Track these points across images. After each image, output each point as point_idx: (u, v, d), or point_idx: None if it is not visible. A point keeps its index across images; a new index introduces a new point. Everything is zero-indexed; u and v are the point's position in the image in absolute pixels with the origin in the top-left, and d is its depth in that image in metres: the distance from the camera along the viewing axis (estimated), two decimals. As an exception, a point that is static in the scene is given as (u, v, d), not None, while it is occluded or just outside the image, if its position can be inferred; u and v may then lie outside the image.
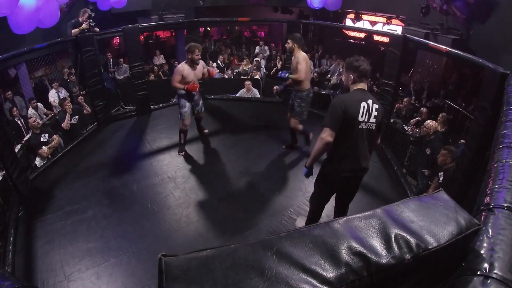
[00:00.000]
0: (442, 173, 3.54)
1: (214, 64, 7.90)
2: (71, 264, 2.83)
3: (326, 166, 2.49)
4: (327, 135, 2.28)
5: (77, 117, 5.09)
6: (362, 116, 2.27)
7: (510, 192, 1.13)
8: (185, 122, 4.31)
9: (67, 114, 4.92)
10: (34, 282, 2.66)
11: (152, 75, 7.14)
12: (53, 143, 4.52)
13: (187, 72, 4.01)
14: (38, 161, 4.38)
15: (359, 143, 2.34)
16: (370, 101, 2.31)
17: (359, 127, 2.29)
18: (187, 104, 4.25)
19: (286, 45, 4.16)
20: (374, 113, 2.32)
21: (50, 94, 5.63)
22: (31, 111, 5.21)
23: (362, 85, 2.38)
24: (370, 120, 2.31)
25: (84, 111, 5.37)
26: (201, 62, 4.19)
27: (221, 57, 8.21)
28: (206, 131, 4.96)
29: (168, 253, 0.76)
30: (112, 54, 7.53)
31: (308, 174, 2.65)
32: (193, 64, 4.03)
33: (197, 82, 4.17)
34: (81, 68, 4.99)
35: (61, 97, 5.51)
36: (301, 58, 3.89)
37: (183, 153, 4.49)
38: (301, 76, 3.89)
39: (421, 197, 1.05)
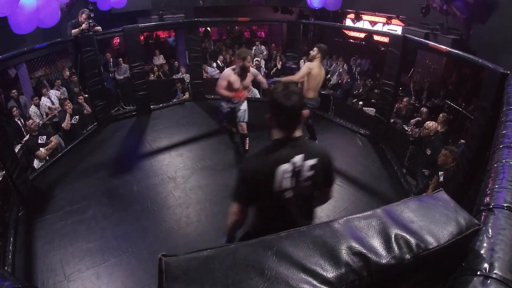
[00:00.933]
0: (442, 173, 3.54)
1: (214, 64, 7.89)
2: (71, 264, 2.83)
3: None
4: (234, 212, 1.68)
5: (77, 117, 5.09)
6: (279, 187, 1.53)
7: (510, 192, 1.13)
8: (222, 124, 4.31)
9: (67, 114, 4.92)
10: (34, 282, 2.66)
11: (152, 75, 7.13)
12: (50, 144, 4.50)
13: (234, 78, 3.74)
14: (36, 163, 4.36)
15: (280, 216, 1.65)
16: (298, 158, 1.53)
17: (284, 197, 1.57)
18: (225, 107, 4.03)
19: (311, 52, 4.17)
20: (308, 173, 1.56)
21: (51, 93, 5.63)
22: (32, 109, 5.21)
23: (289, 132, 1.56)
24: (301, 185, 1.57)
25: (84, 111, 5.37)
26: (252, 70, 3.92)
27: (221, 57, 8.21)
28: (246, 147, 4.27)
29: (168, 253, 0.76)
30: (112, 54, 7.52)
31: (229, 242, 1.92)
32: (242, 71, 3.73)
33: (244, 88, 3.92)
34: (81, 68, 4.99)
35: (62, 97, 5.51)
36: (309, 65, 4.01)
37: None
38: (294, 77, 3.99)
39: (421, 197, 1.05)
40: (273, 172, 1.51)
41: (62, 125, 4.86)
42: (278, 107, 1.51)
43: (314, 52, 4.07)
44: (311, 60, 4.10)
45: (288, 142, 1.56)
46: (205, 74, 7.23)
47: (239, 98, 3.87)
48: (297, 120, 1.56)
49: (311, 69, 3.99)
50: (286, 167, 1.51)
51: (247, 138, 4.21)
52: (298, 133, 1.58)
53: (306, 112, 3.95)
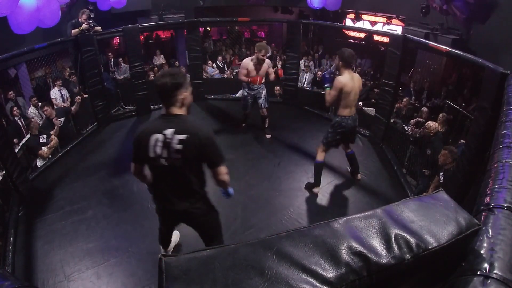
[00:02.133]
0: (442, 173, 3.54)
1: (214, 65, 7.89)
2: (71, 264, 2.83)
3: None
4: (131, 168, 2.04)
5: (62, 119, 5.05)
6: (154, 152, 1.84)
7: (510, 192, 1.13)
8: (245, 111, 4.91)
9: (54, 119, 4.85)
10: (34, 282, 2.66)
11: (152, 74, 7.09)
12: (51, 143, 4.51)
13: (251, 67, 4.39)
14: (39, 162, 4.37)
15: (163, 181, 1.98)
16: (169, 131, 1.81)
17: (161, 163, 1.87)
18: (246, 94, 4.68)
19: (334, 61, 4.18)
20: (177, 146, 1.81)
21: (52, 92, 5.63)
22: (31, 109, 5.21)
23: (166, 108, 1.90)
24: (172, 156, 1.84)
25: (72, 110, 5.33)
26: (267, 61, 4.48)
27: (219, 57, 8.21)
28: (268, 136, 5.01)
29: (168, 253, 0.76)
30: (112, 54, 7.52)
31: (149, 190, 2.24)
32: (258, 61, 4.34)
33: (262, 75, 4.49)
34: (81, 68, 4.99)
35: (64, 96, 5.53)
36: (340, 80, 3.29)
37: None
38: (327, 99, 3.42)
39: (421, 197, 1.05)
40: (148, 138, 1.84)
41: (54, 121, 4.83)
42: (154, 86, 1.85)
43: (336, 60, 3.51)
44: (338, 72, 3.44)
45: (166, 117, 1.88)
46: (205, 74, 7.23)
47: (255, 82, 4.48)
48: (168, 98, 1.86)
49: (344, 85, 3.28)
50: (157, 136, 1.83)
51: (267, 119, 4.90)
52: (178, 111, 1.90)
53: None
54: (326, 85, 3.47)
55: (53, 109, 4.96)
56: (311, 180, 3.76)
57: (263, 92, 4.69)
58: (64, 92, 5.71)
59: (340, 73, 3.38)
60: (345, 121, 3.49)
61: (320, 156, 3.63)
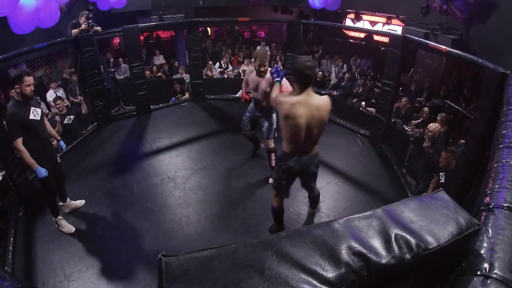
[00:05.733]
0: (443, 173, 3.53)
1: (217, 65, 7.88)
2: (71, 264, 2.83)
3: None
4: None
5: (72, 117, 5.05)
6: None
7: (510, 192, 1.13)
8: (242, 129, 3.93)
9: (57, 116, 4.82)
10: (34, 282, 2.66)
11: (148, 73, 7.04)
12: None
13: (251, 77, 3.49)
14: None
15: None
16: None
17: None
18: (246, 114, 3.81)
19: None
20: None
21: (48, 94, 5.61)
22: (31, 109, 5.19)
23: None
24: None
25: (82, 111, 5.33)
26: (268, 74, 3.35)
27: (224, 59, 8.21)
28: (272, 163, 3.86)
29: (168, 253, 0.76)
30: (112, 54, 7.52)
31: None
32: (258, 74, 3.41)
33: (260, 95, 3.49)
34: (81, 68, 4.99)
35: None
36: (280, 103, 2.41)
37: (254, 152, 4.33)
38: (271, 96, 2.67)
39: (421, 197, 1.05)
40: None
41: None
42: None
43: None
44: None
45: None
46: (210, 73, 7.23)
47: (241, 100, 3.70)
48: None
49: (287, 111, 2.31)
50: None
51: (272, 154, 3.76)
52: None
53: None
54: (277, 79, 2.70)
55: (64, 104, 4.92)
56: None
57: (269, 119, 3.60)
58: (60, 93, 5.69)
59: (293, 91, 2.43)
60: (285, 160, 2.52)
61: (275, 202, 2.81)
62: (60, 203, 3.39)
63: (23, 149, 2.73)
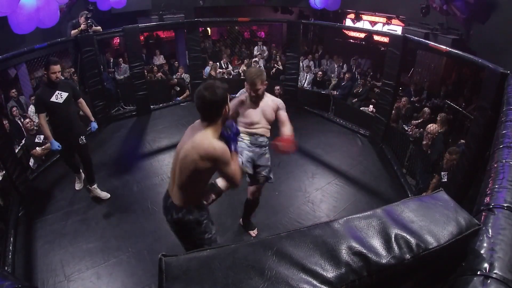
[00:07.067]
0: (445, 173, 3.53)
1: (218, 64, 7.88)
2: (71, 264, 2.83)
3: None
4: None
5: None
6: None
7: (510, 192, 1.13)
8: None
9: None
10: (34, 282, 2.66)
11: (148, 73, 7.04)
12: (47, 145, 4.47)
13: (246, 107, 2.60)
14: (32, 162, 4.31)
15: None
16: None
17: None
18: (244, 153, 2.65)
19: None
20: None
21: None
22: (31, 108, 5.19)
23: None
24: None
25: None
26: (271, 98, 2.67)
27: (224, 59, 8.21)
28: (254, 232, 3.16)
29: (168, 253, 0.76)
30: (112, 54, 7.52)
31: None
32: (254, 99, 2.56)
33: (262, 126, 2.65)
34: (81, 68, 4.98)
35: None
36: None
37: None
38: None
39: (421, 197, 1.05)
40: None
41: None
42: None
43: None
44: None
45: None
46: (213, 73, 7.22)
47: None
48: None
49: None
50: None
51: (254, 208, 3.01)
52: None
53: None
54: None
55: None
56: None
57: (268, 160, 2.76)
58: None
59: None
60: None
61: None
62: (88, 186, 3.61)
63: (43, 123, 3.18)
